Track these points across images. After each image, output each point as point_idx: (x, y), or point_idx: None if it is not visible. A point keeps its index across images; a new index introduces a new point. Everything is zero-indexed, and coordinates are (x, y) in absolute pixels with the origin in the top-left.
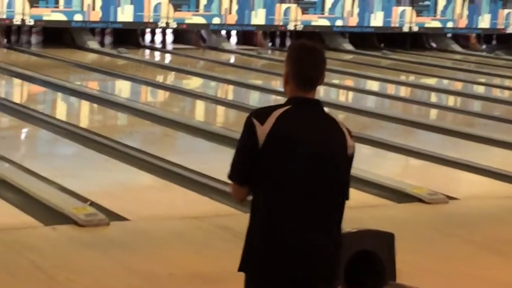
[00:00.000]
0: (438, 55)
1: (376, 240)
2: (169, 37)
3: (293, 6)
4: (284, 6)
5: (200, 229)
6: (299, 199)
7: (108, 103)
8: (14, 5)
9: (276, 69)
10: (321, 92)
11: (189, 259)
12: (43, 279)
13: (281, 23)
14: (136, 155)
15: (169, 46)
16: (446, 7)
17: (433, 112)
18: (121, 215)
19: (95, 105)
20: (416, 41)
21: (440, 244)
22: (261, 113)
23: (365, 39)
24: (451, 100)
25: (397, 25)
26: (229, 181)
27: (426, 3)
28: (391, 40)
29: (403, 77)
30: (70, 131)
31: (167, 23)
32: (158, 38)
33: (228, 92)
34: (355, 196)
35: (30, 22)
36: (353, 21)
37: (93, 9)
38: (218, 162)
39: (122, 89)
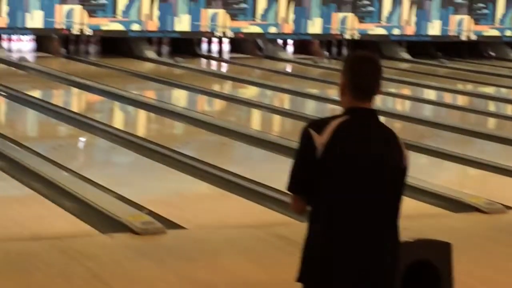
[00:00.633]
0: (496, 64)
1: (433, 249)
2: (226, 46)
3: (350, 15)
4: (340, 15)
5: (256, 238)
6: (359, 211)
7: (165, 112)
8: (72, 15)
9: (333, 78)
10: (378, 101)
11: (245, 268)
12: (99, 287)
13: (337, 32)
14: (193, 164)
15: (226, 55)
16: (504, 15)
17: (491, 121)
18: (178, 224)
19: (152, 114)
20: (474, 49)
21: (497, 255)
22: (318, 124)
23: (423, 48)
24: (509, 109)
25: (455, 33)
26: (287, 192)
27: (484, 11)
28: (449, 49)
29: (460, 86)
30: (127, 140)
31: (224, 33)
32: (214, 47)
33: (284, 101)
34: (412, 205)
35: (88, 32)
36: (411, 30)
37: (151, 19)
38: (274, 171)
39: (179, 98)
